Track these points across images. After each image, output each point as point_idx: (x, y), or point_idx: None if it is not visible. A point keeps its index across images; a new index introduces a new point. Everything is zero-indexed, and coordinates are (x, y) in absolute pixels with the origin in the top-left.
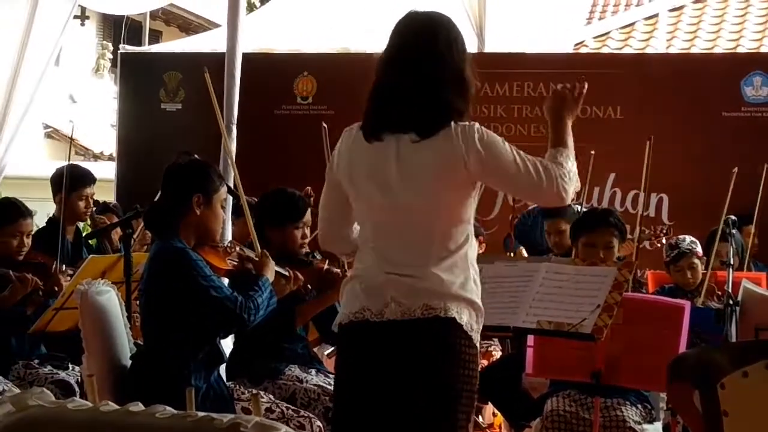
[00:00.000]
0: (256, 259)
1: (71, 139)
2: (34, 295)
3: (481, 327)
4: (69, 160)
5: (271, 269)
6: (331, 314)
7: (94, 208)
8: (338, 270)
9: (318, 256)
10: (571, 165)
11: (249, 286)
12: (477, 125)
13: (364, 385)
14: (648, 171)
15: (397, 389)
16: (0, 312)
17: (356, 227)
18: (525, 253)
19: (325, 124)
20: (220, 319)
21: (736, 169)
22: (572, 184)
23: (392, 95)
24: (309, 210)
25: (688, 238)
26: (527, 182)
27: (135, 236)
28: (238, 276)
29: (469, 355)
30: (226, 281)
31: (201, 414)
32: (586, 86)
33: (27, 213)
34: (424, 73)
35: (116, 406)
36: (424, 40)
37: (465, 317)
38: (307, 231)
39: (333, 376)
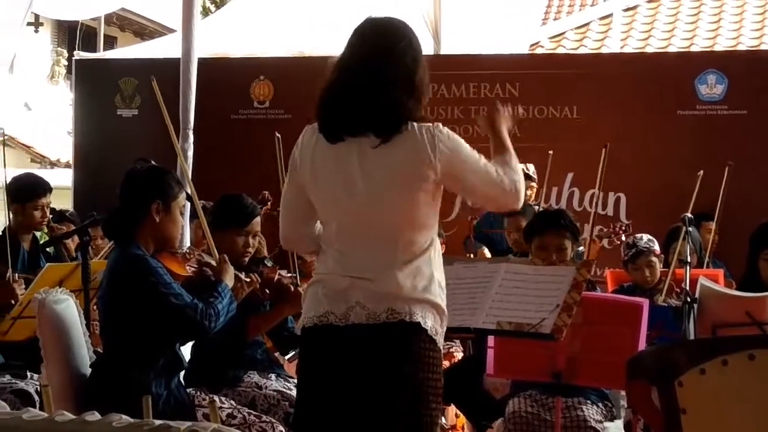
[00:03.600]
0: (215, 264)
1: (26, 147)
2: None
3: (444, 330)
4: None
5: (231, 275)
6: (282, 323)
7: (51, 217)
8: (288, 281)
9: (269, 263)
10: (518, 167)
11: (208, 293)
12: (441, 126)
13: (329, 388)
14: (603, 175)
15: (362, 393)
16: None
17: (319, 226)
18: (488, 254)
19: (278, 134)
20: (181, 327)
21: (701, 173)
22: (523, 186)
23: (347, 98)
24: (257, 218)
25: (646, 237)
26: (491, 186)
27: (92, 244)
28: (197, 282)
29: (434, 358)
30: None
31: (158, 422)
32: (520, 111)
33: None
34: (374, 75)
35: (72, 416)
36: (380, 44)
37: (429, 321)
38: (253, 240)
39: (293, 380)
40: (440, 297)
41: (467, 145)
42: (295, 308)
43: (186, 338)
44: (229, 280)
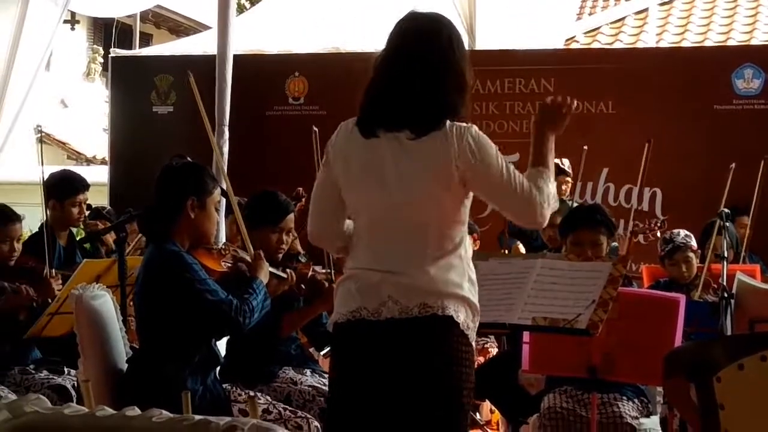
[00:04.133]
0: (250, 260)
1: (62, 143)
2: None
3: (477, 326)
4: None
5: (266, 271)
6: (316, 319)
7: (87, 213)
8: (323, 277)
9: (303, 259)
10: (551, 188)
11: (243, 289)
12: (473, 127)
13: (362, 384)
14: (645, 171)
15: (394, 387)
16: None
17: (348, 223)
18: (522, 249)
19: (315, 128)
20: (216, 323)
21: (733, 165)
22: (550, 209)
23: (389, 93)
24: (291, 215)
25: (683, 232)
26: (511, 198)
27: (129, 240)
28: (232, 278)
29: (466, 353)
30: None
31: (198, 417)
32: (575, 104)
33: (15, 218)
34: (425, 71)
35: (112, 411)
36: (426, 39)
37: (462, 316)
38: (287, 236)
39: (327, 376)
40: (472, 292)
41: (495, 152)
42: (328, 305)
43: (220, 334)
44: (263, 277)
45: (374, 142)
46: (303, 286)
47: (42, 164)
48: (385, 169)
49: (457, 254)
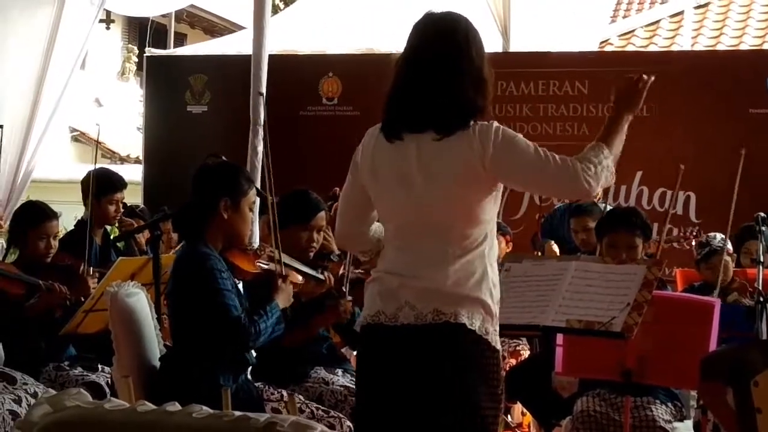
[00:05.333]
0: (276, 273)
1: (97, 142)
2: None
3: (497, 327)
4: (95, 164)
5: (286, 296)
6: (350, 317)
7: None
8: (359, 273)
9: (335, 259)
10: (605, 162)
11: (257, 309)
12: (495, 124)
13: (384, 387)
14: (676, 195)
15: (414, 393)
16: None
17: (378, 226)
18: (555, 247)
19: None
20: (221, 336)
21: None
22: (598, 178)
23: (411, 94)
24: (322, 213)
25: (719, 236)
26: (545, 171)
27: (163, 238)
28: (259, 283)
29: (485, 357)
30: None
31: (237, 413)
32: (652, 79)
33: (53, 215)
34: (444, 71)
35: (153, 406)
36: (443, 39)
37: (477, 322)
38: (318, 235)
39: None
40: (490, 294)
41: (523, 141)
42: (328, 321)
43: (224, 347)
44: (282, 302)
45: (399, 145)
46: (342, 289)
47: (95, 161)
48: (411, 170)
49: (479, 253)
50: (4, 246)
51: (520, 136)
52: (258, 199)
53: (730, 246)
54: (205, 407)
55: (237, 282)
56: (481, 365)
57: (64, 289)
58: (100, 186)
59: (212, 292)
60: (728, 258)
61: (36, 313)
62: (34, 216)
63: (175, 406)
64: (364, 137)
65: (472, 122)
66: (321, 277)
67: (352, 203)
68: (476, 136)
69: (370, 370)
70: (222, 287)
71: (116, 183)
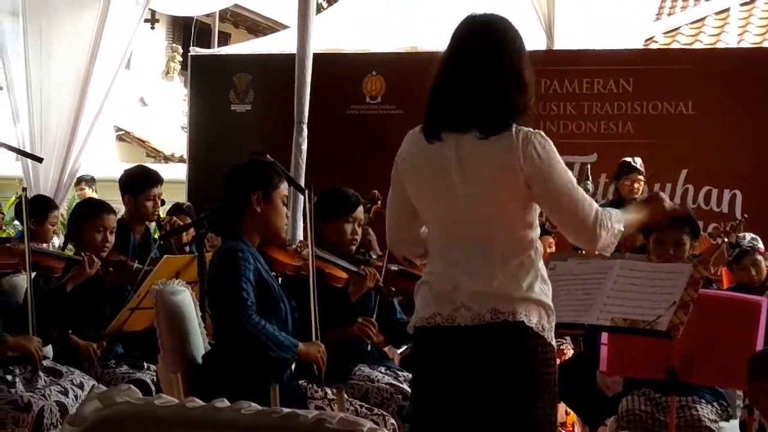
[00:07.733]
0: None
1: (141, 141)
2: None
3: (553, 325)
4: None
5: (315, 348)
6: (391, 315)
7: (167, 209)
8: (408, 268)
9: (374, 255)
10: (616, 228)
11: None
12: (540, 133)
13: (442, 388)
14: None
15: (473, 393)
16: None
17: (425, 229)
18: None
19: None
20: (226, 317)
21: None
22: (608, 233)
23: (453, 94)
24: (361, 207)
25: (749, 236)
26: (572, 208)
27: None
28: (296, 279)
29: (543, 353)
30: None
31: (286, 410)
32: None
33: (110, 209)
34: (484, 71)
35: (202, 403)
36: (484, 40)
37: (534, 319)
38: (358, 228)
39: (402, 374)
40: (544, 294)
41: (561, 163)
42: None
43: (224, 327)
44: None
45: (438, 146)
46: (393, 288)
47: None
48: (450, 170)
49: (527, 256)
50: (61, 244)
51: (561, 161)
52: (292, 194)
53: (761, 245)
54: (253, 404)
55: (277, 276)
56: (539, 360)
57: (95, 258)
58: (136, 183)
59: (233, 277)
60: (760, 257)
61: (76, 283)
62: (91, 209)
63: (224, 403)
64: (403, 142)
65: (514, 124)
66: (362, 272)
67: (397, 208)
68: (519, 140)
69: (430, 371)
70: (246, 275)
71: (152, 178)
